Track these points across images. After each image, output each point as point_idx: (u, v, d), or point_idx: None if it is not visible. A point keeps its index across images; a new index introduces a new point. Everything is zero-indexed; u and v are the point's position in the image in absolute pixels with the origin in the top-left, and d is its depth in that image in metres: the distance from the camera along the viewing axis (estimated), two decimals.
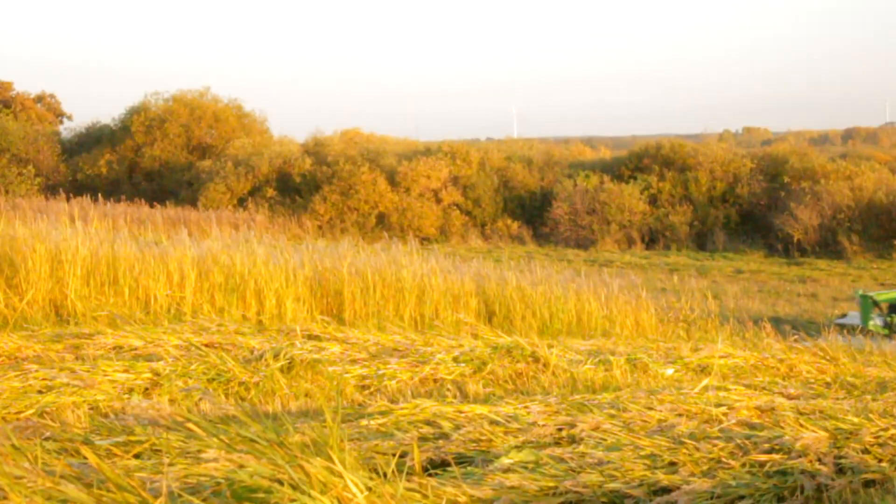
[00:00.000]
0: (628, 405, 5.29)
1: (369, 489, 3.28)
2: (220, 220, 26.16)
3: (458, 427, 4.76)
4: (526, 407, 5.23)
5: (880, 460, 4.56)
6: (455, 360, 7.43)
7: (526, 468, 4.09)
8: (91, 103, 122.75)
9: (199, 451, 3.71)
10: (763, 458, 4.35)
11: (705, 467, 4.26)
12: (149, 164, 39.50)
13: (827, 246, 28.08)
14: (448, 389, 6.83)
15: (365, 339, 8.06)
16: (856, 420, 5.02)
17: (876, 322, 15.34)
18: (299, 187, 35.11)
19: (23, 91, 52.78)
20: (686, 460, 4.28)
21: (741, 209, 32.27)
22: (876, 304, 15.74)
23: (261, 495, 3.19)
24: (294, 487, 3.18)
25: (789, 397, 6.32)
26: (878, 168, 32.02)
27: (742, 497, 4.00)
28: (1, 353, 6.70)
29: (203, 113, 40.34)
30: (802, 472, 4.26)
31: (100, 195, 27.67)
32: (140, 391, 6.04)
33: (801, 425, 4.83)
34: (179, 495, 3.27)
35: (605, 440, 4.59)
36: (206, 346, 7.21)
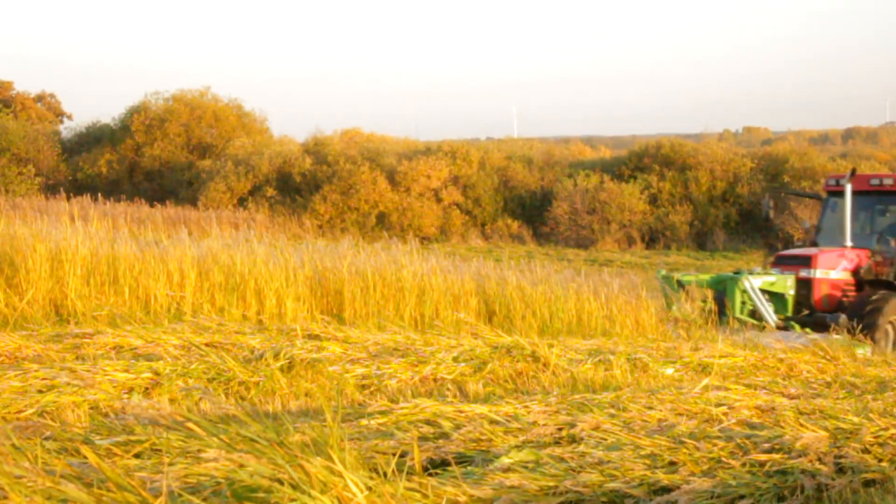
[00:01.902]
0: (628, 405, 5.29)
1: (369, 489, 3.28)
2: (221, 220, 26.15)
3: (458, 427, 4.76)
4: (526, 406, 5.23)
5: (880, 460, 4.56)
6: (455, 359, 7.43)
7: (526, 468, 4.09)
8: (91, 103, 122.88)
9: (200, 451, 3.71)
10: (763, 457, 4.35)
11: (705, 467, 4.26)
12: (149, 164, 39.50)
13: None
14: (448, 389, 6.83)
15: (365, 339, 8.05)
16: (856, 420, 5.02)
17: (682, 307, 12.77)
18: (299, 187, 35.10)
19: (23, 90, 52.89)
20: (686, 460, 4.28)
21: (741, 209, 32.25)
22: (682, 286, 13.36)
23: (261, 495, 3.19)
24: (294, 487, 3.18)
25: (789, 397, 6.32)
26: (878, 167, 32.01)
27: (742, 496, 4.00)
28: (1, 352, 6.69)
29: (203, 112, 40.33)
30: (803, 471, 4.26)
31: (100, 195, 27.66)
32: (140, 391, 6.04)
33: (802, 425, 4.83)
34: (179, 495, 3.27)
35: (605, 440, 4.59)
36: (207, 345, 7.21)
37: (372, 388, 6.76)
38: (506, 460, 4.22)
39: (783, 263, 13.79)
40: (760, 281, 13.13)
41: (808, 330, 12.09)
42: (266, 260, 10.42)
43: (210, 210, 31.84)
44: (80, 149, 41.52)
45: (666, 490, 3.99)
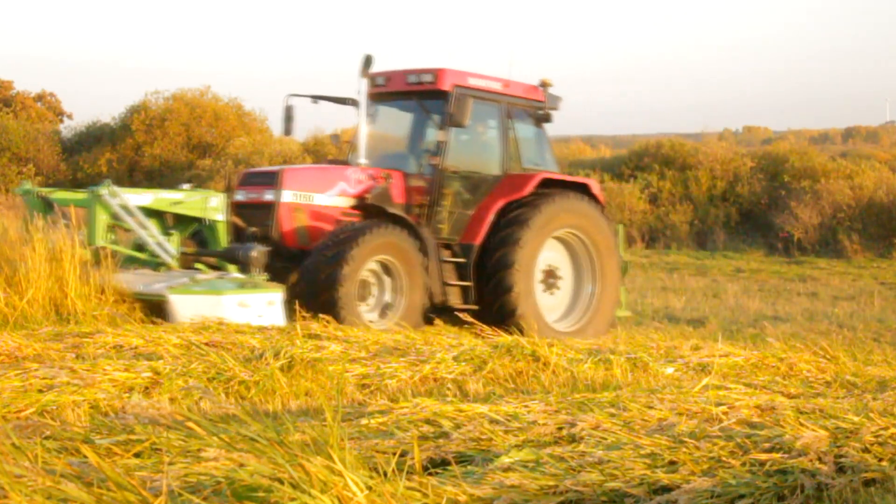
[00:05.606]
0: (628, 404, 5.29)
1: (369, 488, 3.28)
2: None
3: (458, 426, 4.76)
4: (526, 406, 5.23)
5: (880, 459, 4.56)
6: (455, 358, 7.43)
7: (526, 467, 4.09)
8: (91, 102, 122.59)
9: (200, 450, 3.71)
10: (763, 457, 4.34)
11: (705, 466, 4.26)
12: (149, 163, 39.47)
13: (827, 245, 28.03)
14: (448, 388, 6.83)
15: (365, 338, 8.06)
16: (856, 419, 5.02)
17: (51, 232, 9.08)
18: None
19: (23, 90, 52.80)
20: (686, 459, 4.28)
21: (741, 208, 32.22)
22: (52, 206, 9.70)
23: (261, 494, 3.19)
24: (294, 486, 3.18)
25: (789, 396, 6.32)
26: (878, 167, 31.98)
27: (742, 496, 4.00)
28: (1, 352, 6.69)
29: (203, 112, 40.29)
30: (803, 471, 4.25)
31: None
32: (140, 390, 6.04)
33: (802, 424, 4.83)
34: (179, 494, 3.27)
35: (605, 439, 4.59)
36: (207, 344, 7.21)
37: (372, 388, 6.76)
38: (506, 460, 4.22)
39: (249, 184, 10.64)
40: (151, 198, 9.68)
41: (229, 267, 9.56)
42: None
43: None
44: (80, 148, 41.49)
45: (666, 489, 3.99)
